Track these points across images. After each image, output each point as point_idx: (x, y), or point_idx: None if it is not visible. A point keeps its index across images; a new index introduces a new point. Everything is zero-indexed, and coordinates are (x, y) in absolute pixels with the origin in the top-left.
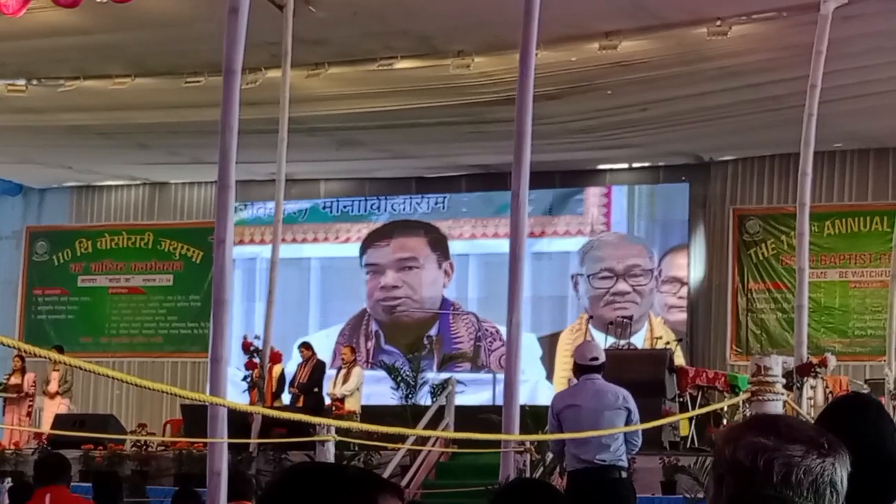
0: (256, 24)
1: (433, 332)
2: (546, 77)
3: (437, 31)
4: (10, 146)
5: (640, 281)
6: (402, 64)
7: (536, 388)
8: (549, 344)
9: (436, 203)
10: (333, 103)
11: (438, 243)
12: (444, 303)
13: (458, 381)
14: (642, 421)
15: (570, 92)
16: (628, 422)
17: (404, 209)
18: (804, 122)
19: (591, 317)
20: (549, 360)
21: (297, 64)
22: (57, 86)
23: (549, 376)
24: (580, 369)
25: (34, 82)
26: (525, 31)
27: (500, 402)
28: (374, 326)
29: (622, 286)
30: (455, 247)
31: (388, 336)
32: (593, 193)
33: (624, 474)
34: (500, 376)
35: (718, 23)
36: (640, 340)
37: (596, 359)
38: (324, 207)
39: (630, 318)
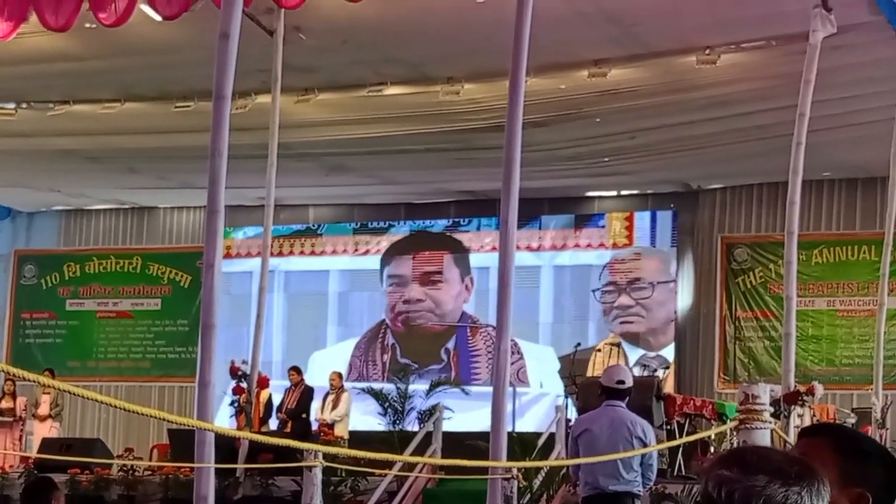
0: (246, 50)
1: (450, 345)
2: (535, 104)
3: (426, 58)
4: None
5: (643, 294)
6: (391, 90)
7: (556, 402)
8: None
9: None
10: (322, 129)
11: (461, 258)
12: (463, 317)
13: (446, 408)
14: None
15: (559, 119)
16: (643, 455)
17: (424, 221)
18: (792, 150)
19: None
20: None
21: (287, 90)
22: (46, 109)
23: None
24: (605, 392)
25: (24, 106)
26: (515, 58)
27: (518, 415)
28: (390, 340)
29: (625, 300)
30: (476, 259)
31: (404, 349)
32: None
33: (638, 502)
34: (519, 389)
35: (707, 51)
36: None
37: (622, 382)
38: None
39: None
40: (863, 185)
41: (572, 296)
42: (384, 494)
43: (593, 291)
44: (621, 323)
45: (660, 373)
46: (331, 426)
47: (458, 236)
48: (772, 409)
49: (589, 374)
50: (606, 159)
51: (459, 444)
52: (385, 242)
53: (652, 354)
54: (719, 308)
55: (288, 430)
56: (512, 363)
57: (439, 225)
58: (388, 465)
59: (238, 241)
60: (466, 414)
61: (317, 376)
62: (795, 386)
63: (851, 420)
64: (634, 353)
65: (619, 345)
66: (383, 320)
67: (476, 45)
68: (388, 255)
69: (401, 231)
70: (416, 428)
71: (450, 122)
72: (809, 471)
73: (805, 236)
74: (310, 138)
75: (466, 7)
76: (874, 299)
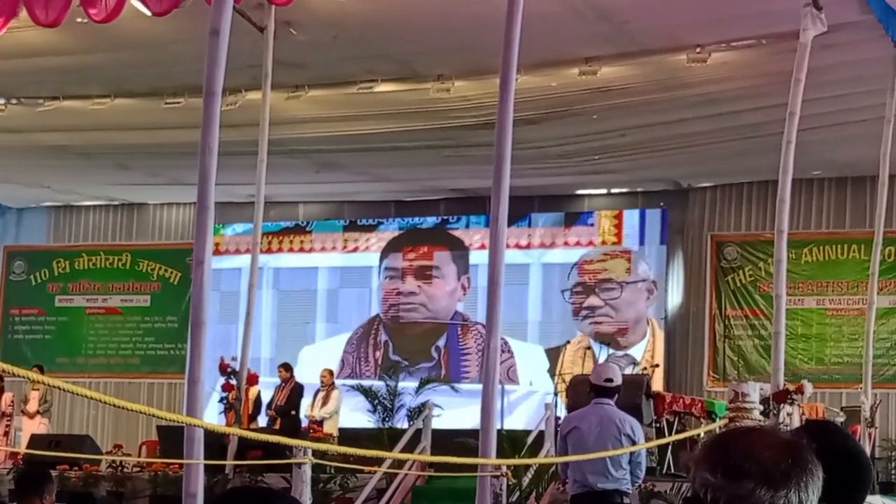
0: (237, 46)
1: (441, 343)
2: (526, 102)
3: (417, 54)
4: None
5: (612, 294)
6: (382, 87)
7: (545, 400)
8: (553, 356)
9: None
10: (313, 126)
11: (459, 255)
12: (455, 315)
13: (436, 405)
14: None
15: (550, 117)
16: (631, 452)
17: (414, 218)
18: (782, 149)
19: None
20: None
21: (278, 86)
22: (36, 105)
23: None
24: (594, 390)
25: (13, 101)
26: (505, 55)
27: (506, 413)
28: (382, 337)
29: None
30: (468, 256)
31: (395, 346)
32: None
33: (627, 500)
34: (508, 387)
35: (698, 49)
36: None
37: (610, 380)
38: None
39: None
40: (853, 184)
41: (561, 293)
42: (373, 491)
43: (562, 292)
44: (591, 323)
45: (628, 370)
46: (320, 423)
47: (452, 231)
48: (761, 408)
49: (563, 371)
50: (597, 157)
51: (449, 441)
52: (374, 239)
53: (620, 353)
54: (709, 306)
55: (277, 426)
56: (502, 361)
57: (429, 222)
58: (378, 462)
59: (228, 238)
60: (456, 411)
61: (306, 372)
62: (785, 384)
63: (840, 419)
64: (607, 351)
65: (604, 342)
66: (376, 316)
67: (467, 41)
68: (388, 249)
69: (390, 228)
70: (405, 425)
71: (440, 119)
72: (798, 462)
73: (795, 235)
74: (300, 135)
75: (457, 3)
76: (863, 298)
